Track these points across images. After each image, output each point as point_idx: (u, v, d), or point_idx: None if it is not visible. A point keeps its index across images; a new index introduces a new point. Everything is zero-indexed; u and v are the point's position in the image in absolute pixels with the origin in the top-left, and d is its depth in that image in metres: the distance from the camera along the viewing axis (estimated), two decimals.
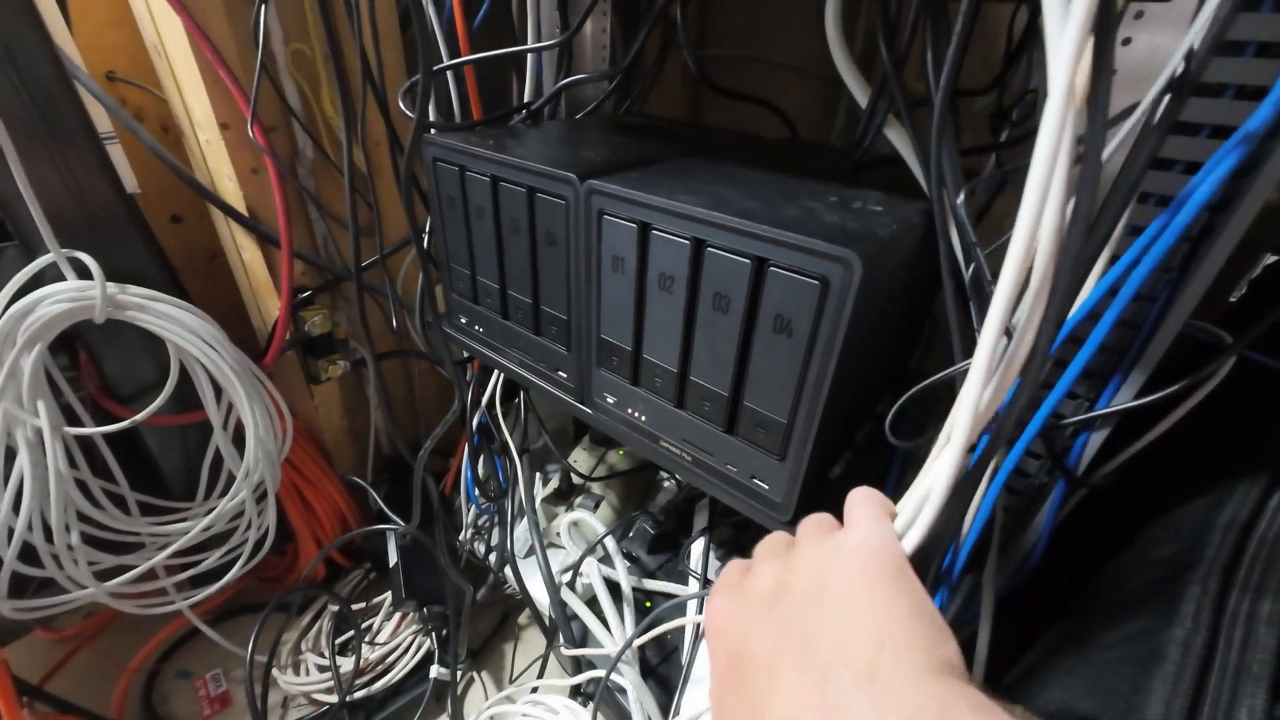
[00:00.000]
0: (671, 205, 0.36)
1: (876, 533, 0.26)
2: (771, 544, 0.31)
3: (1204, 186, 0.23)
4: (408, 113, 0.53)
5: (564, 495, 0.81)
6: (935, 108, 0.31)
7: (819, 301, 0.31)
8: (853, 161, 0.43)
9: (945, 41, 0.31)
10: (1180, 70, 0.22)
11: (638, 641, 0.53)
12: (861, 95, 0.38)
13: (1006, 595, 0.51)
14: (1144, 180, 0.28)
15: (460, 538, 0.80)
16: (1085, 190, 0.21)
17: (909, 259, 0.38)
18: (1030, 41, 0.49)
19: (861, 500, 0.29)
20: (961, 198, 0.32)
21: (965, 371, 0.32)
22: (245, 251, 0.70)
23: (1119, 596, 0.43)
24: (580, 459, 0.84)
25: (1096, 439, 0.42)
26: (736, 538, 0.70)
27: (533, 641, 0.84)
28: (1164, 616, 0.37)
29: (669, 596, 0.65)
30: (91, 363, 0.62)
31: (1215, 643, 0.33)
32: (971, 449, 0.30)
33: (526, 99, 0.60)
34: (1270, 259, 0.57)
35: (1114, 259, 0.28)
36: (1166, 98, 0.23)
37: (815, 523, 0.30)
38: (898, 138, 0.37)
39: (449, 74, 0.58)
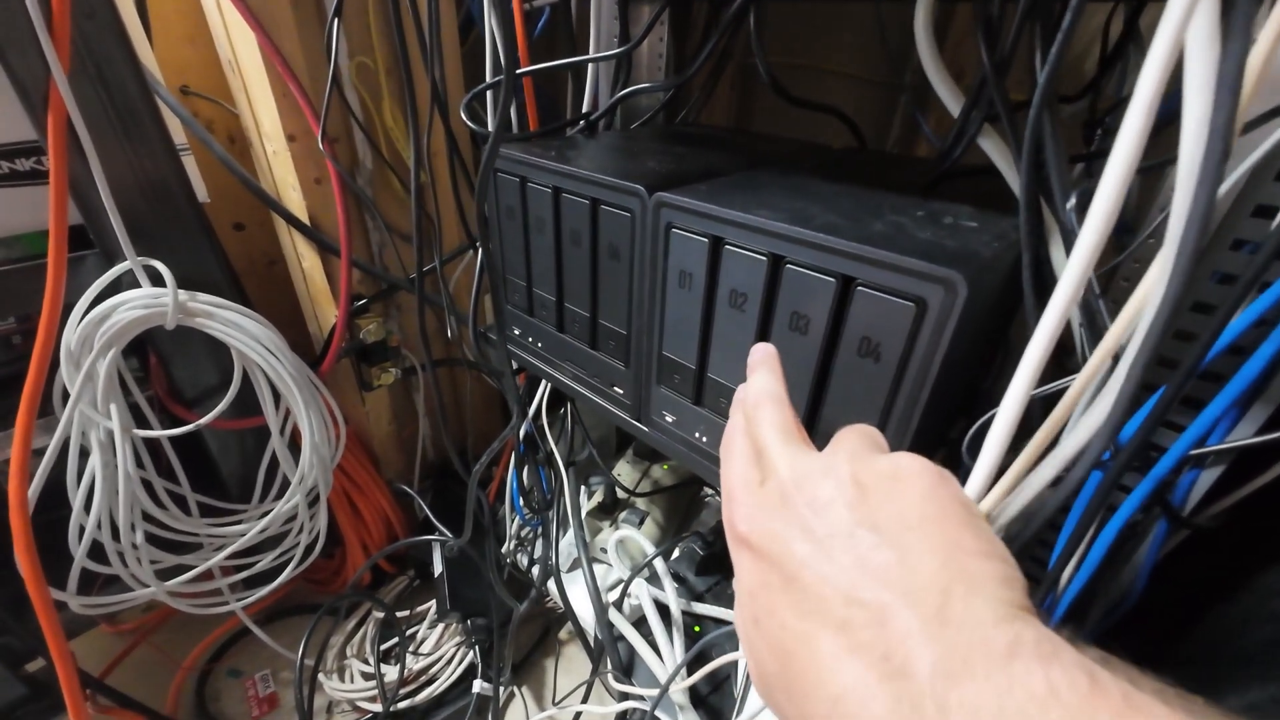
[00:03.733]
0: (749, 219, 0.34)
1: (933, 464, 0.22)
2: (784, 428, 0.26)
3: None
4: (469, 124, 0.53)
5: (608, 509, 0.80)
6: (1033, 107, 0.28)
7: (914, 325, 0.29)
8: (936, 173, 0.41)
9: (1052, 42, 0.29)
10: None
11: (687, 682, 0.51)
12: (954, 102, 0.36)
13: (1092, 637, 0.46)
14: None
15: (503, 549, 0.79)
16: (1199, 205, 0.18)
17: (1005, 279, 0.35)
18: (1127, 45, 0.46)
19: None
20: (1073, 201, 0.29)
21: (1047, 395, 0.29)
22: (305, 259, 0.71)
23: (1234, 653, 0.39)
24: (624, 472, 0.83)
25: (1208, 477, 0.38)
26: None
27: (575, 659, 0.83)
28: None
29: (718, 621, 0.63)
30: (160, 366, 0.64)
31: None
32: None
33: (585, 109, 0.60)
34: None
35: (1265, 285, 0.25)
36: None
37: (861, 432, 0.26)
38: (993, 147, 0.35)
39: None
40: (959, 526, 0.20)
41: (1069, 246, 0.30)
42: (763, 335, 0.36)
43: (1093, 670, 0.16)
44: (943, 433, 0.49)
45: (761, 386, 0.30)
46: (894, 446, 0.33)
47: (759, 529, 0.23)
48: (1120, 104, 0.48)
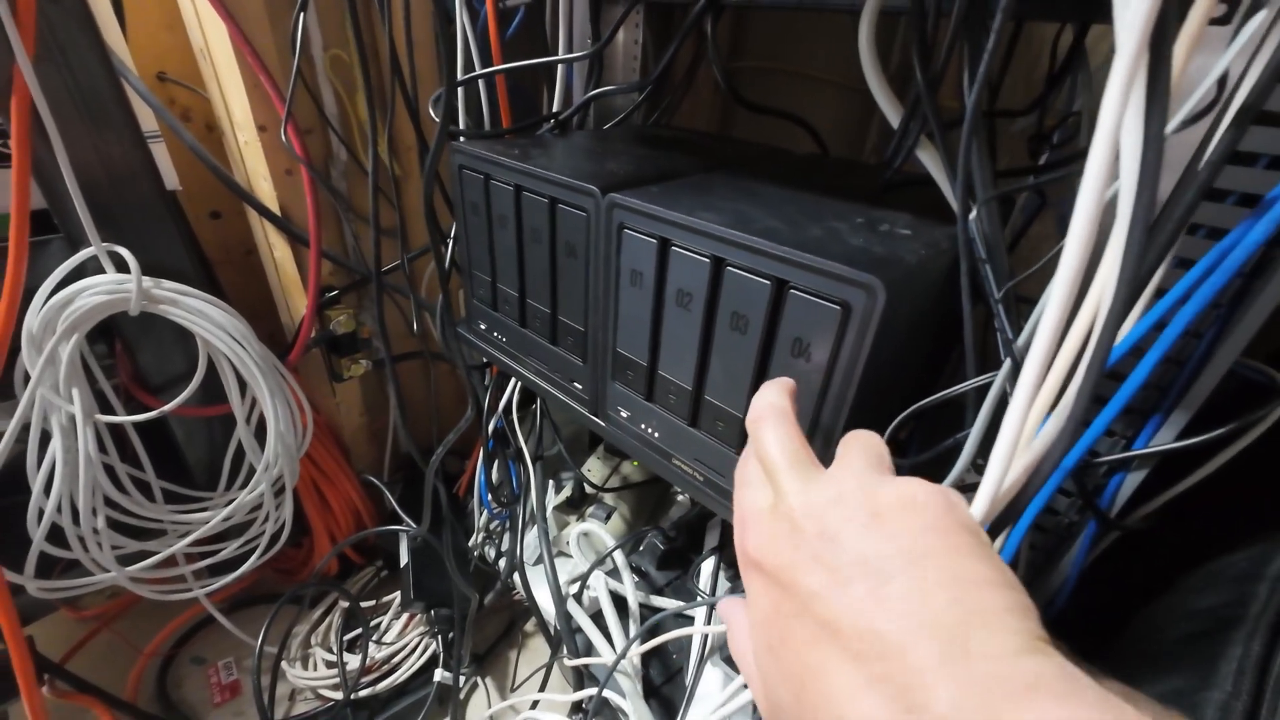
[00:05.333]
0: (692, 222, 0.35)
1: (943, 488, 0.22)
2: (788, 446, 0.26)
3: (1261, 225, 0.22)
4: (437, 120, 0.54)
5: (576, 504, 0.81)
6: (966, 116, 0.30)
7: (840, 327, 0.30)
8: (882, 182, 0.42)
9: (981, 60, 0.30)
10: (1211, 98, 0.21)
11: (636, 654, 0.52)
12: (894, 115, 0.37)
13: None
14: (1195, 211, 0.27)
15: (471, 542, 0.80)
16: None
17: (939, 284, 0.37)
18: (1075, 62, 0.47)
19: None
20: (974, 213, 0.31)
21: (974, 390, 0.31)
22: (277, 249, 0.71)
23: (1154, 648, 0.41)
24: (594, 468, 0.84)
25: (1133, 480, 0.40)
26: None
27: (538, 650, 0.84)
28: (1202, 676, 0.34)
29: (676, 615, 0.64)
30: (126, 353, 0.64)
31: (1257, 710, 0.31)
32: None
33: (555, 109, 0.61)
34: None
35: (1160, 292, 0.27)
36: (1218, 123, 0.22)
37: (865, 446, 0.25)
38: (929, 159, 0.36)
39: (480, 83, 0.59)
40: (968, 556, 0.20)
41: (971, 251, 0.31)
42: (707, 334, 0.37)
43: (1118, 708, 0.16)
44: (882, 431, 0.51)
45: (766, 399, 0.29)
46: (823, 443, 0.34)
47: (771, 557, 0.23)
48: (1067, 118, 0.50)
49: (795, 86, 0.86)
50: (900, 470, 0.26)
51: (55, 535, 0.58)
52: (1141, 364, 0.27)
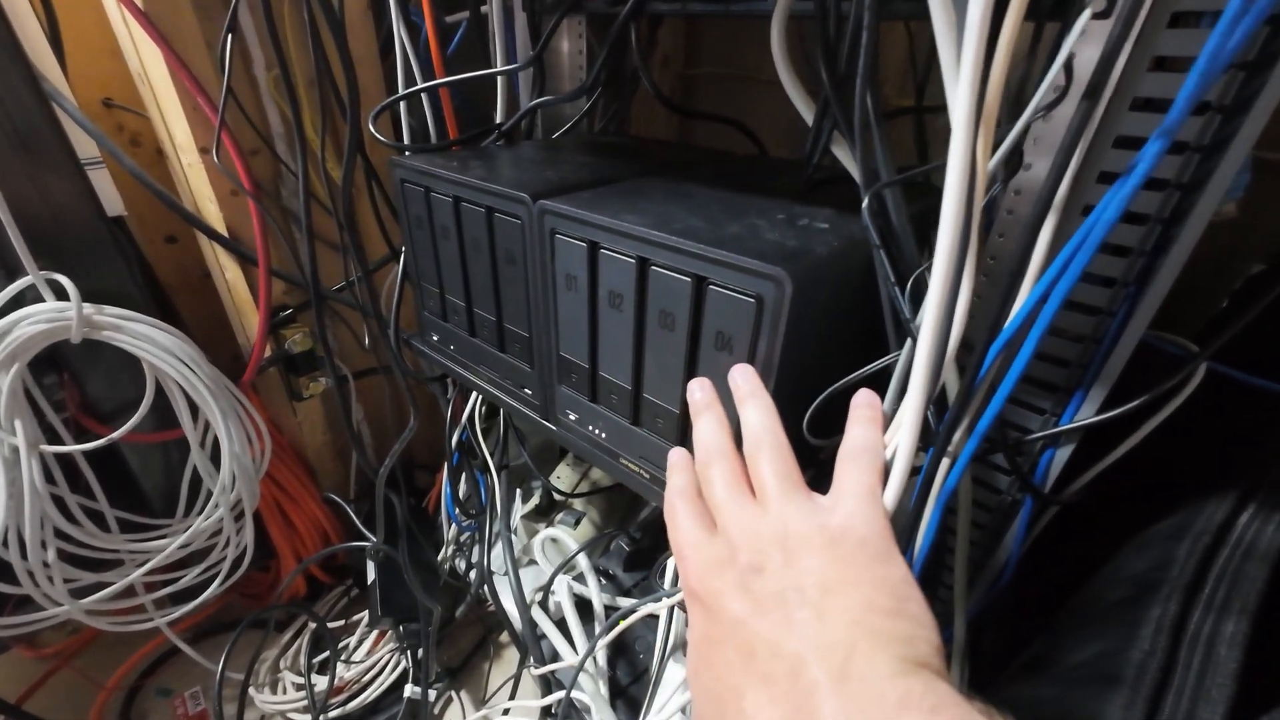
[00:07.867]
0: (616, 224, 0.36)
1: (862, 512, 0.25)
2: (728, 481, 0.28)
3: (1112, 207, 0.23)
4: (378, 136, 0.55)
5: (545, 512, 0.81)
6: (855, 112, 0.31)
7: (755, 319, 0.31)
8: (807, 178, 0.44)
9: (877, 63, 0.31)
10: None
11: (600, 653, 0.53)
12: (808, 112, 0.38)
13: (1001, 618, 0.50)
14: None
15: (441, 555, 0.79)
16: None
17: (862, 273, 0.38)
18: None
19: (851, 460, 0.28)
20: (866, 202, 0.32)
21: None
22: (228, 271, 0.71)
23: (1088, 616, 0.42)
24: (564, 475, 0.84)
25: (1062, 455, 0.42)
26: None
27: (511, 660, 0.84)
28: (1125, 638, 0.36)
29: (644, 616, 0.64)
30: (74, 381, 0.63)
31: (1172, 665, 0.32)
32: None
33: (499, 120, 0.61)
34: (1256, 269, 0.56)
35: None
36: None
37: (782, 476, 0.27)
38: (843, 154, 0.38)
39: (423, 96, 0.59)
40: (874, 587, 0.23)
41: (868, 237, 0.33)
42: (639, 333, 0.38)
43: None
44: (835, 420, 0.52)
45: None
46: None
47: (706, 586, 0.26)
48: None
49: (749, 91, 0.87)
50: (821, 452, 0.28)
51: (4, 571, 0.57)
52: (1030, 334, 0.28)
